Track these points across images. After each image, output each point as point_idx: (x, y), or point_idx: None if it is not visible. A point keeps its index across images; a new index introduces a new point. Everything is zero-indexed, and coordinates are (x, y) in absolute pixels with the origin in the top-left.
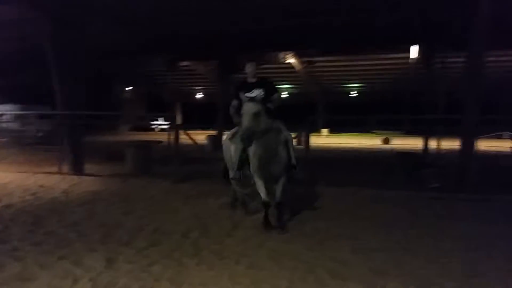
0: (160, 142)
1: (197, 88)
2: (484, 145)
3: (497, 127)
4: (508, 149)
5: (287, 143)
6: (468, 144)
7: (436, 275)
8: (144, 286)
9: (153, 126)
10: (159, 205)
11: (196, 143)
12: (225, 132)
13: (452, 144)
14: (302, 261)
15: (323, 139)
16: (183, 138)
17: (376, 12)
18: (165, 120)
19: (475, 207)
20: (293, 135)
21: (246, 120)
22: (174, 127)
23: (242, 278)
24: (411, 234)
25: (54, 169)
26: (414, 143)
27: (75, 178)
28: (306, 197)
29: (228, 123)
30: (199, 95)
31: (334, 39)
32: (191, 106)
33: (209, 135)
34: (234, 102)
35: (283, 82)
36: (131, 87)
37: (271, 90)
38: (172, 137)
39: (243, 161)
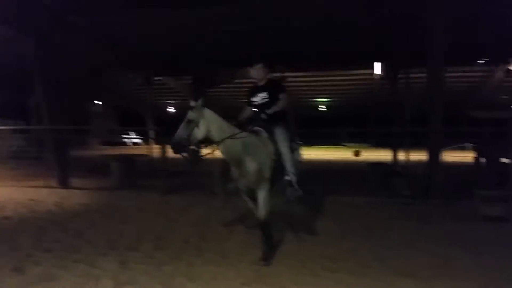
0: (145, 155)
1: (169, 102)
2: (449, 155)
3: (461, 139)
4: (471, 160)
5: (276, 154)
6: (434, 155)
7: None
8: (163, 282)
9: (125, 141)
10: (154, 216)
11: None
12: None
13: (419, 155)
14: (297, 259)
15: None
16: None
17: (344, 31)
18: (137, 135)
19: (435, 211)
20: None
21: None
22: (160, 141)
23: (247, 272)
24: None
25: (40, 183)
26: (383, 155)
27: (64, 192)
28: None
29: None
30: (170, 109)
31: (304, 56)
32: (163, 120)
33: None
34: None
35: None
36: (101, 102)
37: (276, 92)
38: (153, 151)
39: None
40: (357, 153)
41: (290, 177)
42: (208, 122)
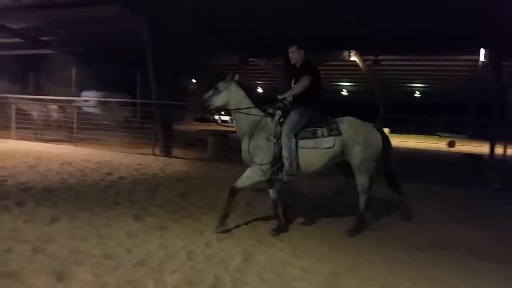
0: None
1: (258, 82)
2: None
3: None
4: None
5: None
6: None
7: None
8: (255, 238)
9: (216, 118)
10: None
11: None
12: None
13: None
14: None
15: None
16: None
17: (447, 15)
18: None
19: None
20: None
21: None
22: None
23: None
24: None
25: (146, 150)
26: (479, 147)
27: (167, 160)
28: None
29: None
30: (259, 89)
31: (401, 38)
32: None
33: None
34: None
35: (344, 80)
36: (196, 80)
37: (301, 74)
38: None
39: None
40: (451, 144)
41: (283, 176)
42: (230, 94)
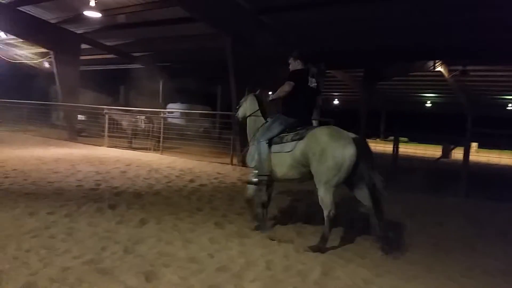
0: None
1: (334, 94)
2: None
3: None
4: None
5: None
6: None
7: None
8: (329, 247)
9: None
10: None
11: None
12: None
13: None
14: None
15: (471, 154)
16: None
17: None
18: None
19: None
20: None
21: None
22: None
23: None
24: None
25: (225, 160)
26: None
27: (244, 169)
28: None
29: (370, 129)
30: (335, 101)
31: (491, 48)
32: (328, 111)
33: None
34: None
35: (428, 91)
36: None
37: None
38: None
39: None
40: None
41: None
42: (246, 106)
